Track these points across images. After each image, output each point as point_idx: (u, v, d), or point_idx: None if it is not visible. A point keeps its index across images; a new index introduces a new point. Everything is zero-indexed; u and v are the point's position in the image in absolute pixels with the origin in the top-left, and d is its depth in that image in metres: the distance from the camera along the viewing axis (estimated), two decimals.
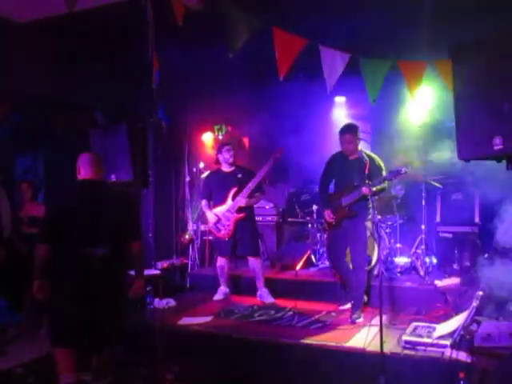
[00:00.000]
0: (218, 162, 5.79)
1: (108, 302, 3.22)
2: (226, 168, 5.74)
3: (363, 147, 5.12)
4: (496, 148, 2.91)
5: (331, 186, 5.26)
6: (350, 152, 4.93)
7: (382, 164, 4.92)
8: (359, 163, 4.83)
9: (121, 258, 3.29)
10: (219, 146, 5.82)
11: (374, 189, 4.62)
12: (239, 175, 5.65)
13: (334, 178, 5.17)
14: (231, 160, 5.67)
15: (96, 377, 3.33)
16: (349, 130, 4.89)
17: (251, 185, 5.49)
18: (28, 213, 5.68)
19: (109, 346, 3.31)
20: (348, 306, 5.12)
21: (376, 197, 6.02)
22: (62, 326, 3.18)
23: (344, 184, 4.97)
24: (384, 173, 4.79)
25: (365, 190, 4.59)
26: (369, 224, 5.07)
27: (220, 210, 5.64)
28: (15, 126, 6.18)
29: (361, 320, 4.75)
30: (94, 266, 3.12)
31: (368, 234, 5.07)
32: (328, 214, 5.01)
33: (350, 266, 4.98)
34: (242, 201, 5.53)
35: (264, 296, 5.62)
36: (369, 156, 4.85)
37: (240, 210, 5.55)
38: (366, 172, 4.60)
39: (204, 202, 5.83)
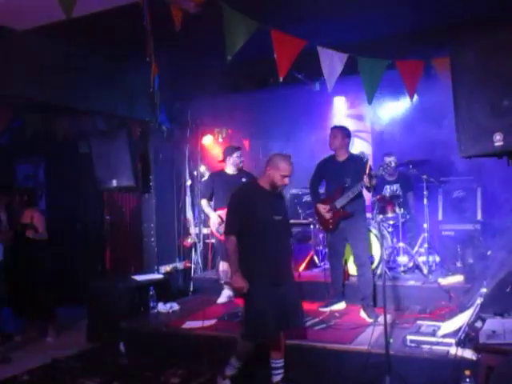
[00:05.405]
0: (224, 161, 5.79)
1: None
2: (230, 171, 5.74)
3: (364, 147, 5.14)
4: (497, 144, 2.92)
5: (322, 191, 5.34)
6: (335, 149, 5.00)
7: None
8: (350, 163, 4.92)
9: None
10: (230, 149, 5.79)
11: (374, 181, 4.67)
12: (244, 179, 5.62)
13: (326, 181, 5.22)
14: (241, 165, 5.73)
15: None
16: (335, 127, 5.15)
17: None
18: (22, 220, 5.56)
19: None
20: (327, 309, 5.17)
21: (378, 196, 6.07)
22: None
23: (336, 186, 4.98)
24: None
25: (365, 179, 4.61)
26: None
27: (224, 212, 5.60)
28: (16, 132, 6.19)
29: (380, 319, 4.57)
30: None
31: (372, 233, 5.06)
32: (324, 208, 4.98)
33: (354, 267, 4.95)
34: None
35: None
36: (358, 156, 5.01)
37: None
38: (367, 171, 4.62)
39: (204, 202, 5.80)
